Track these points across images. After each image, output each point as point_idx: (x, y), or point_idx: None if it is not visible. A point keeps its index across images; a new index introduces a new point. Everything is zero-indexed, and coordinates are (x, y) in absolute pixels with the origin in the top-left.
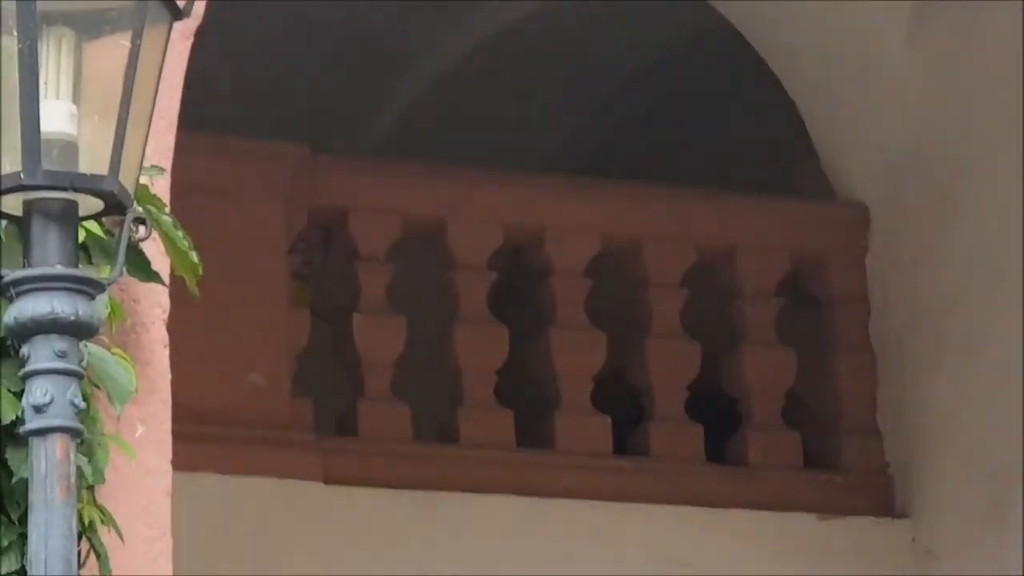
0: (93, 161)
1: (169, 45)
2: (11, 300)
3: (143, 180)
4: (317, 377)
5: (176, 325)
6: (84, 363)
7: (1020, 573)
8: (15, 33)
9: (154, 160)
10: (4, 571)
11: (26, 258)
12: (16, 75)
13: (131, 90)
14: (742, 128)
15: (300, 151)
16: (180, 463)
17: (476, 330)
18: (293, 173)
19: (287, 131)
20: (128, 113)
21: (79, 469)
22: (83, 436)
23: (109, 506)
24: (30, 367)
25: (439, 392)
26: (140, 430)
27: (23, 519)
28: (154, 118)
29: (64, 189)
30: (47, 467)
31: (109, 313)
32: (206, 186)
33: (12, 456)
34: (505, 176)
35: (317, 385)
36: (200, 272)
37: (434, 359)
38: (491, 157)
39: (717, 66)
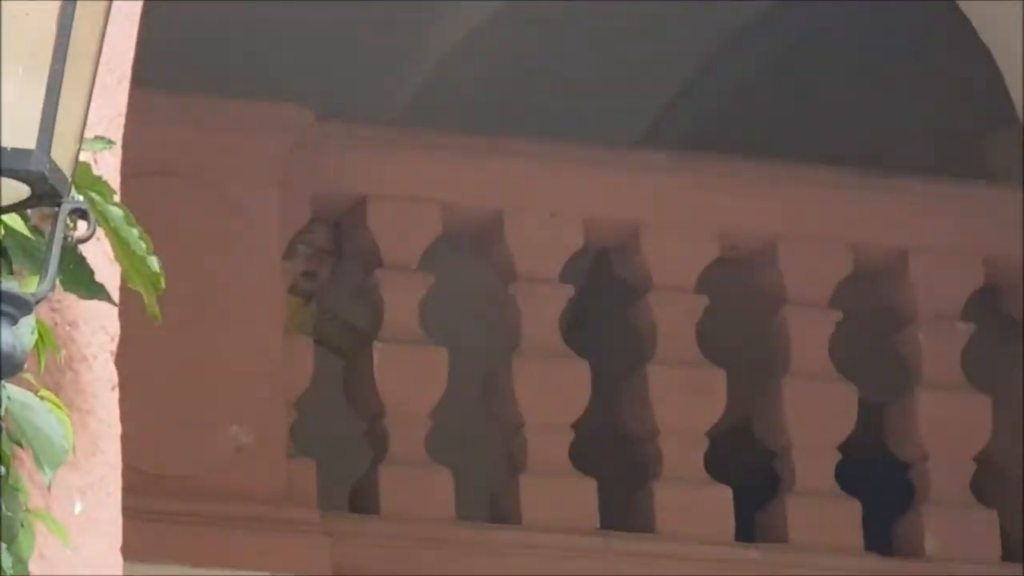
0: (15, 131)
1: None
2: None
3: (84, 157)
4: (323, 431)
5: (130, 359)
6: (1, 411)
7: None
8: None
9: (100, 130)
10: None
11: None
12: None
13: (68, 36)
14: (905, 92)
15: (300, 116)
16: (135, 551)
17: (545, 367)
18: (291, 147)
19: (285, 97)
20: (64, 67)
21: None
22: None
23: None
24: None
25: (492, 453)
26: (79, 505)
27: None
28: (100, 72)
29: None
30: None
31: (37, 342)
32: (172, 166)
33: None
34: (586, 152)
35: (323, 442)
36: (163, 285)
37: (485, 407)
38: (557, 135)
39: (866, 4)
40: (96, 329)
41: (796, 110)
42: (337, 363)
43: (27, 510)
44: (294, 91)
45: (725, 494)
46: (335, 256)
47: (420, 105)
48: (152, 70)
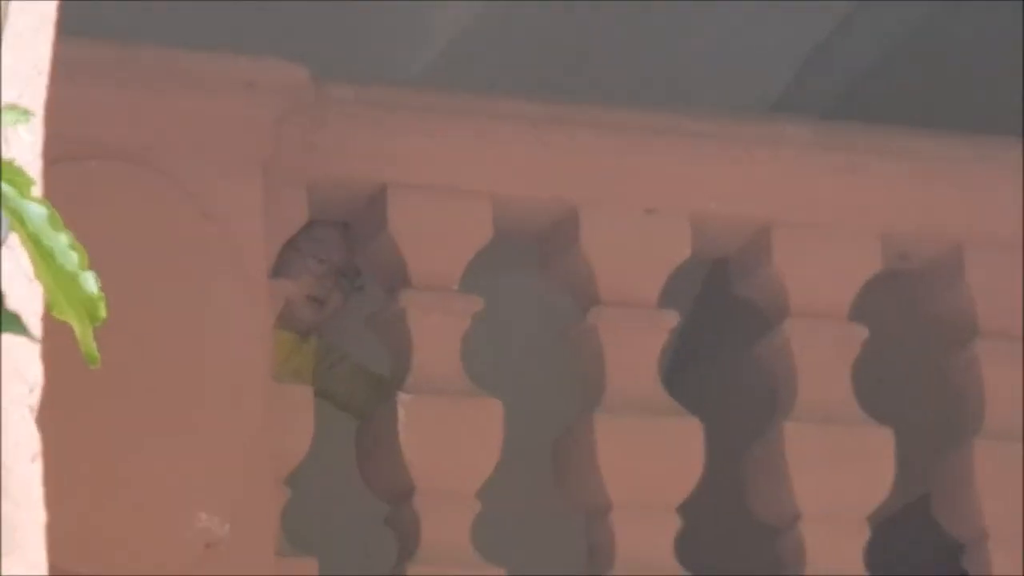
0: None
1: None
2: None
3: None
4: (328, 518)
5: (58, 418)
6: None
7: None
8: None
9: (12, 96)
10: None
11: None
12: None
13: None
14: None
15: (292, 76)
16: None
17: (639, 426)
18: (279, 118)
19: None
20: None
21: None
22: None
23: None
24: None
25: (566, 547)
26: None
27: None
28: (10, 13)
29: None
30: None
31: None
32: (113, 146)
33: None
34: (696, 125)
35: (328, 534)
36: (102, 313)
37: (556, 483)
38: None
39: None
40: (9, 376)
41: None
42: (347, 423)
43: None
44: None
45: None
46: (343, 272)
47: (449, 71)
48: (88, 12)
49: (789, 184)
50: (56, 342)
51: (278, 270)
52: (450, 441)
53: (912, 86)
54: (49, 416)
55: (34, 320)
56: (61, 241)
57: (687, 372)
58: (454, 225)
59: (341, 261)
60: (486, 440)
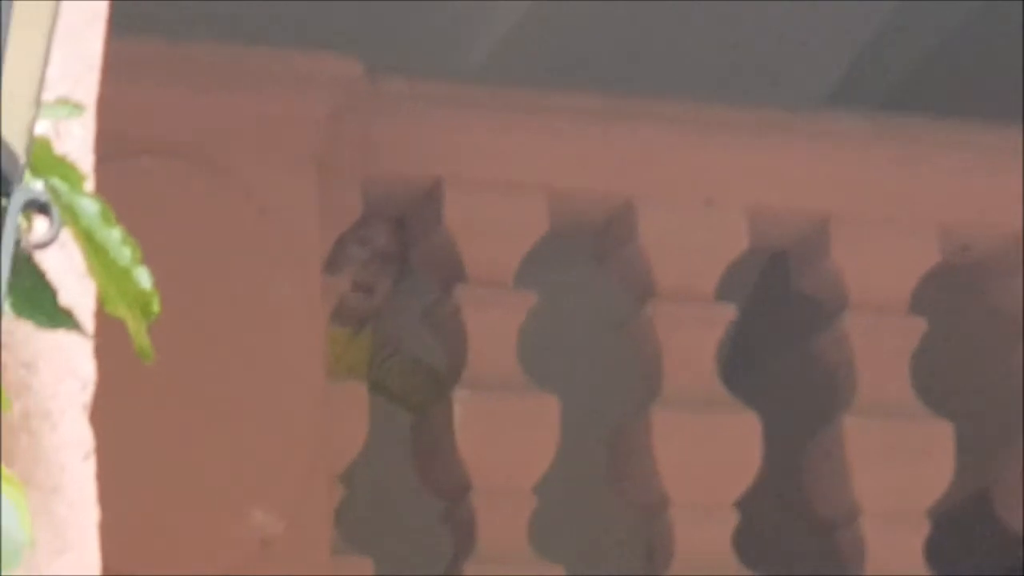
0: None
1: None
2: None
3: (43, 129)
4: (383, 516)
5: (112, 415)
6: None
7: None
8: None
9: (64, 90)
10: None
11: None
12: None
13: None
14: None
15: (346, 70)
16: None
17: (697, 421)
18: (333, 113)
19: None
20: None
21: None
22: None
23: None
24: None
25: (623, 543)
26: None
27: None
28: (64, 9)
29: None
30: None
31: None
32: (166, 141)
33: None
34: (754, 117)
35: (383, 531)
36: (156, 309)
37: (612, 479)
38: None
39: None
40: (62, 374)
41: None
42: (401, 419)
43: None
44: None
45: None
46: (397, 267)
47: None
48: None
49: (848, 176)
50: (109, 339)
51: (331, 264)
52: (506, 437)
53: (968, 76)
54: (102, 414)
55: (87, 316)
56: (114, 236)
57: (745, 366)
58: (510, 219)
59: (385, 245)
60: (542, 436)
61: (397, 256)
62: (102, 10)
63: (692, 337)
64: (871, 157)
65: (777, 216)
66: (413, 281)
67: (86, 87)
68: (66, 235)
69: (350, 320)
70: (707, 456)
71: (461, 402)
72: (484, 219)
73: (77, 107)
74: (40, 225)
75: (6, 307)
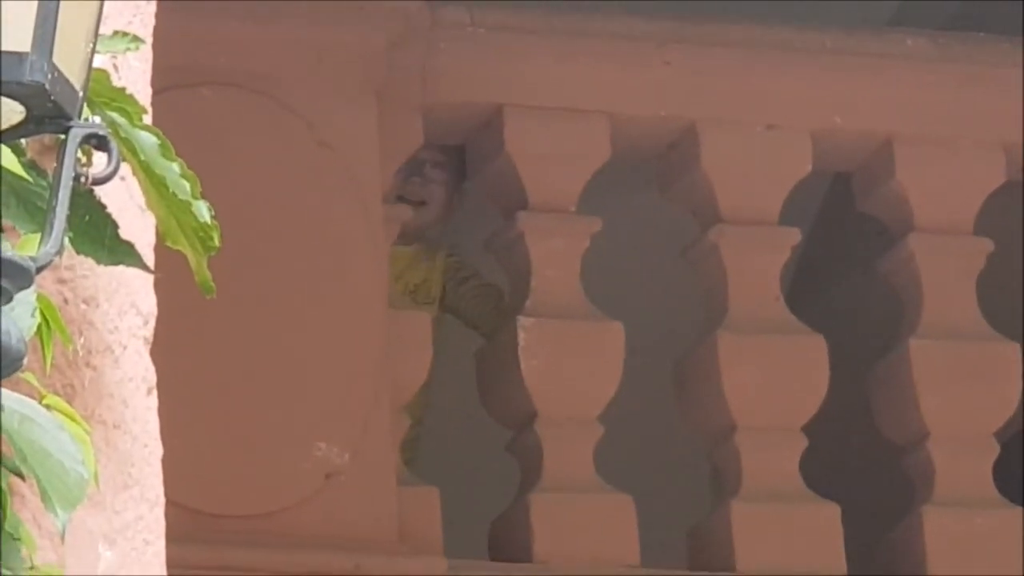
0: (2, 30)
1: None
2: None
3: (100, 62)
4: (449, 446)
5: (173, 350)
6: None
7: None
8: None
9: (122, 23)
10: None
11: None
12: None
13: None
14: None
15: (407, 1)
16: None
17: (763, 345)
18: (392, 42)
19: None
20: None
21: None
22: None
23: None
24: None
25: (691, 472)
26: (105, 559)
27: None
28: None
29: None
30: None
31: (39, 327)
32: (224, 72)
33: None
34: (813, 39)
35: (449, 462)
36: (217, 243)
37: (679, 405)
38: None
39: None
40: (123, 308)
41: None
42: (466, 346)
43: (32, 567)
44: None
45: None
46: (457, 194)
47: None
48: None
49: (911, 97)
50: (170, 273)
51: (392, 194)
52: (571, 365)
53: None
54: (164, 348)
55: (147, 251)
56: (173, 170)
57: (810, 290)
58: (572, 146)
59: (423, 154)
60: (607, 363)
61: (444, 165)
62: None
63: (756, 261)
64: (934, 78)
65: (840, 139)
66: (475, 212)
67: (143, 19)
68: (125, 169)
69: (410, 237)
70: (773, 380)
71: (525, 329)
72: (546, 146)
73: (135, 40)
74: (99, 159)
75: (66, 243)
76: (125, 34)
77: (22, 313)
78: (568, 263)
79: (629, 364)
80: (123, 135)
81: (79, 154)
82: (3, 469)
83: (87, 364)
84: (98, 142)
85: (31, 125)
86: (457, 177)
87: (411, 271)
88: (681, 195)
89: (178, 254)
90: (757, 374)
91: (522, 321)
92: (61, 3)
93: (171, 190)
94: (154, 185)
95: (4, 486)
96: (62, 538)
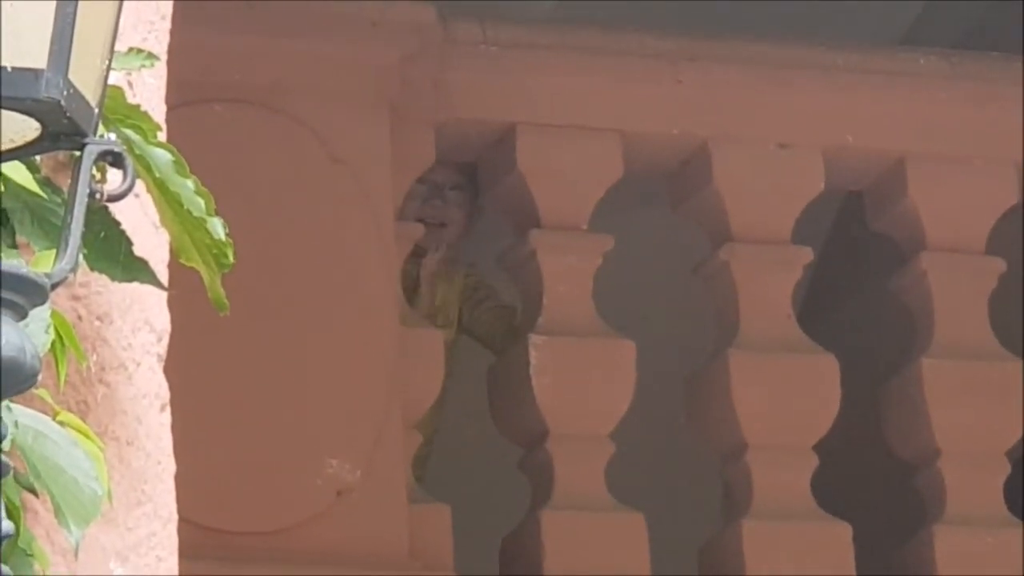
0: (17, 45)
1: None
2: None
3: (116, 79)
4: (461, 463)
5: (186, 367)
6: (6, 443)
7: None
8: None
9: (137, 40)
10: None
11: None
12: None
13: None
14: None
15: (418, 15)
16: None
17: (774, 364)
18: (406, 58)
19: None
20: None
21: None
22: None
23: None
24: None
25: (701, 489)
26: (118, 572)
27: None
28: None
29: None
30: None
31: (53, 343)
32: (238, 89)
33: None
34: (827, 57)
35: (461, 479)
36: (231, 259)
37: (689, 423)
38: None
39: None
40: (137, 325)
41: None
42: (478, 365)
43: None
44: None
45: None
46: (471, 211)
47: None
48: None
49: (923, 116)
50: (184, 290)
51: (403, 211)
52: (583, 383)
53: None
54: (177, 365)
55: (161, 268)
56: (188, 187)
57: (821, 308)
58: (584, 164)
59: (443, 178)
60: (619, 381)
61: (461, 186)
62: None
63: (768, 280)
64: (947, 96)
65: (853, 157)
66: (487, 229)
67: (158, 37)
68: (139, 186)
69: (422, 269)
70: (785, 399)
71: (537, 347)
72: (558, 164)
73: (150, 57)
74: (114, 176)
75: (81, 259)
76: (140, 51)
77: (36, 329)
78: (580, 281)
79: (640, 382)
80: (138, 152)
81: (94, 171)
82: (17, 485)
83: (101, 381)
84: (113, 159)
85: (46, 142)
86: (475, 198)
87: (426, 299)
88: (693, 213)
89: (192, 270)
90: (768, 392)
91: (534, 339)
92: (77, 20)
93: (186, 207)
94: (168, 202)
95: (18, 502)
96: (76, 554)
